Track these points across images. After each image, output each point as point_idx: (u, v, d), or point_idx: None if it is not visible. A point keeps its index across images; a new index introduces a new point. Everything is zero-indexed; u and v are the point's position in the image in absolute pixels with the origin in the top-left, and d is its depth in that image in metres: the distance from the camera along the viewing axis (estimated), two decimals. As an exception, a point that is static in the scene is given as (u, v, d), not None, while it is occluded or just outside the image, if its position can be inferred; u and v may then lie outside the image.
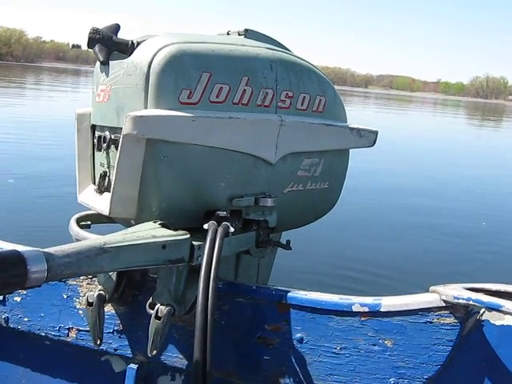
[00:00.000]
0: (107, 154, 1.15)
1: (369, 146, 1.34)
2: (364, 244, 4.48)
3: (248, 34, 1.24)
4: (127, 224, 1.15)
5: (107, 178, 1.15)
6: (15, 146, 7.54)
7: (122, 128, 1.05)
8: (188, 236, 1.05)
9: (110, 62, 1.13)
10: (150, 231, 1.02)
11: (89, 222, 1.24)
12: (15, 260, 0.80)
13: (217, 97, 1.08)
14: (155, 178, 1.07)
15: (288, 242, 1.27)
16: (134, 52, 1.08)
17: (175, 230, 1.05)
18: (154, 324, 1.04)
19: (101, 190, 1.16)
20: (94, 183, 1.23)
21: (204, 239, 1.04)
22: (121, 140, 1.04)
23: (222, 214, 1.11)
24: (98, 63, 1.18)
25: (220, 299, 1.13)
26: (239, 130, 1.11)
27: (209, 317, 0.97)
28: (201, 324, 0.97)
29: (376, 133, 1.34)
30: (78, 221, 1.22)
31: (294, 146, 1.21)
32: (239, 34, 1.24)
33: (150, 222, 1.06)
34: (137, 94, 1.05)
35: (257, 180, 1.18)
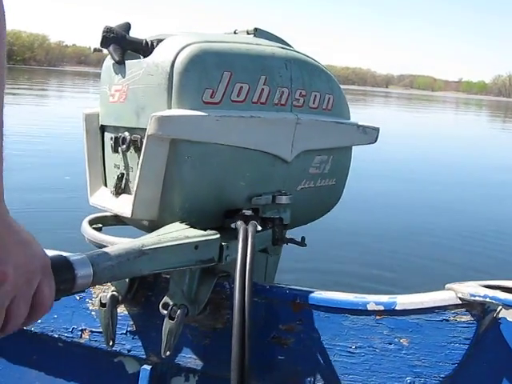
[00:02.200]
0: (124, 155, 1.13)
1: (371, 143, 1.37)
2: (376, 242, 4.43)
3: (257, 33, 1.24)
4: (142, 227, 1.15)
5: (124, 179, 1.14)
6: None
7: (142, 128, 1.05)
8: (218, 236, 1.05)
9: (126, 61, 1.11)
10: (182, 232, 1.02)
11: (100, 225, 1.22)
12: (64, 265, 0.79)
13: (237, 96, 1.09)
14: (179, 178, 1.07)
15: (303, 238, 1.28)
16: (154, 51, 1.07)
17: (205, 230, 1.06)
18: (167, 325, 1.04)
19: (118, 192, 1.15)
20: (106, 185, 1.22)
21: (235, 238, 1.05)
22: (145, 141, 1.03)
23: (248, 212, 1.12)
24: (108, 63, 1.17)
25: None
26: (259, 128, 1.12)
27: (246, 317, 0.97)
28: (238, 326, 0.97)
29: (378, 130, 1.37)
30: (91, 223, 1.21)
31: (308, 144, 1.23)
32: (248, 33, 1.25)
33: (177, 223, 1.06)
34: (159, 94, 1.04)
35: (274, 178, 1.19)
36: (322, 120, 1.24)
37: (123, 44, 1.10)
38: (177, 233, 1.01)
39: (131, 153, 1.11)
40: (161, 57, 1.05)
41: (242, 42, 1.14)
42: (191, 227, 1.05)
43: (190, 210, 1.09)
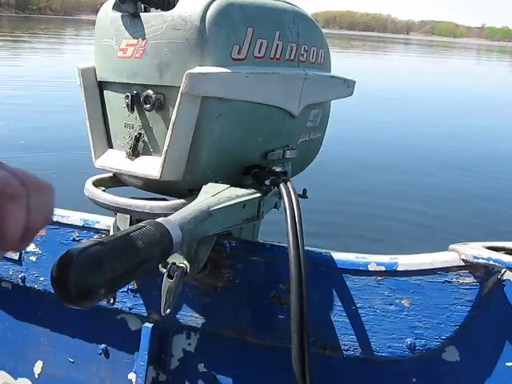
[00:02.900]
0: (142, 114, 1.08)
1: (349, 95, 1.43)
2: (377, 199, 4.42)
3: None
4: (150, 188, 1.14)
5: (142, 140, 1.10)
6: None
7: (165, 86, 1.03)
8: (260, 194, 1.07)
9: (142, 14, 1.05)
10: (230, 191, 1.03)
11: (103, 188, 1.17)
12: (163, 231, 0.80)
13: (259, 52, 1.08)
14: (209, 137, 1.05)
15: (304, 190, 1.31)
16: (179, 4, 1.02)
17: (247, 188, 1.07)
18: (166, 283, 1.02)
19: (135, 153, 1.09)
20: (111, 146, 1.16)
21: (262, 194, 1.08)
22: (178, 99, 1.00)
23: (278, 169, 1.14)
24: (112, 14, 1.09)
25: (234, 257, 1.16)
26: (277, 84, 1.13)
27: (304, 286, 0.98)
28: (297, 295, 0.98)
29: (354, 82, 1.42)
30: (94, 184, 1.17)
31: (310, 99, 1.25)
32: None
33: (213, 183, 1.06)
34: (188, 50, 1.01)
35: (283, 133, 1.22)
36: (322, 75, 1.28)
37: None
38: (227, 192, 1.02)
39: (150, 112, 1.07)
40: (188, 10, 1.01)
41: None
42: (231, 186, 1.06)
43: (216, 167, 1.09)
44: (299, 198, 1.29)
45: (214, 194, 1.00)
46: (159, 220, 0.82)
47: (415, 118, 8.94)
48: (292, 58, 1.17)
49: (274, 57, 1.12)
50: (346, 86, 1.39)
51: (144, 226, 0.77)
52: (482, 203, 4.56)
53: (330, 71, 1.35)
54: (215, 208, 0.96)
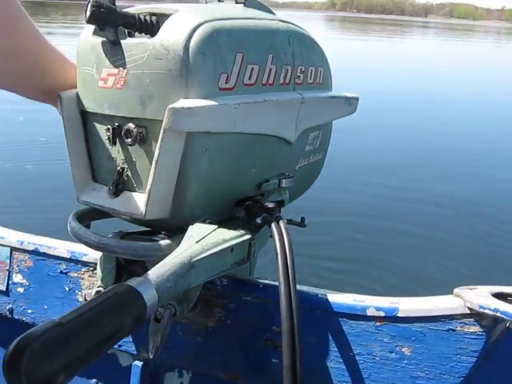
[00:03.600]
0: (124, 148, 1.01)
1: (352, 113, 1.34)
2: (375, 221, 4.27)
3: (248, 2, 1.14)
4: (138, 222, 1.06)
5: (125, 175, 1.03)
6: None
7: (148, 119, 0.96)
8: (251, 235, 1.01)
9: (123, 41, 0.98)
10: (217, 235, 0.96)
11: (88, 221, 1.13)
12: (134, 295, 0.74)
13: (249, 79, 1.00)
14: (195, 173, 0.98)
15: (303, 219, 1.24)
16: (161, 31, 0.94)
17: (235, 229, 1.00)
18: (153, 325, 0.96)
19: (118, 188, 1.03)
20: (95, 180, 1.10)
21: (253, 230, 1.02)
22: (161, 135, 0.92)
23: (271, 204, 1.06)
24: (92, 40, 1.02)
25: (225, 297, 1.11)
26: (269, 112, 1.05)
27: (295, 327, 0.91)
28: (288, 335, 0.91)
29: (358, 99, 1.34)
30: (77, 218, 1.10)
31: (308, 122, 1.18)
32: (237, 2, 1.14)
33: (201, 224, 0.99)
34: (171, 81, 0.93)
35: (278, 161, 1.14)
36: (321, 96, 1.21)
37: (114, 19, 0.96)
38: (213, 237, 0.95)
39: (134, 146, 1.00)
40: (170, 38, 0.93)
41: (248, 18, 1.05)
42: (219, 227, 0.99)
43: (204, 205, 1.02)
44: (298, 225, 1.23)
45: (199, 240, 0.93)
46: (131, 282, 0.76)
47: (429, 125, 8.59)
48: (287, 81, 1.09)
49: (266, 82, 1.04)
50: (347, 105, 1.30)
51: (112, 294, 0.71)
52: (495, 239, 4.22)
53: (330, 89, 1.27)
54: (198, 258, 0.89)
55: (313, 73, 1.18)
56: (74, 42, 1.08)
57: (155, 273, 0.81)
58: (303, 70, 1.14)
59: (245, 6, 1.13)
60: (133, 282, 0.76)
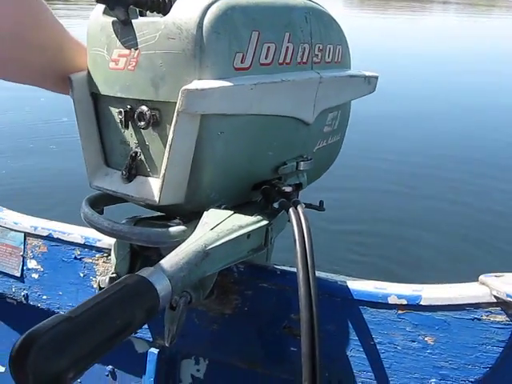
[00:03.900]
0: (137, 131, 0.98)
1: (372, 92, 1.30)
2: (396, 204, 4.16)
3: None
4: (153, 207, 1.04)
5: (138, 159, 1.00)
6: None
7: (161, 102, 0.92)
8: (268, 221, 0.97)
9: (134, 21, 0.94)
10: (232, 221, 0.93)
11: (102, 207, 1.11)
12: (146, 286, 0.71)
13: (265, 58, 0.96)
14: (210, 156, 0.94)
15: (321, 202, 1.21)
16: (173, 10, 0.90)
17: (252, 214, 0.97)
18: (168, 313, 0.94)
19: (131, 173, 1.00)
20: (108, 164, 1.07)
21: (270, 214, 0.99)
22: (175, 118, 0.89)
23: (288, 189, 1.03)
24: (102, 20, 0.99)
25: (242, 283, 1.08)
26: (287, 92, 1.02)
27: (315, 315, 0.88)
28: (308, 324, 0.88)
29: (377, 78, 1.29)
30: (90, 203, 1.08)
31: (327, 103, 1.14)
32: None
33: (216, 210, 0.96)
34: (184, 62, 0.89)
35: (296, 143, 1.10)
36: (340, 75, 1.16)
37: None
38: (229, 223, 0.92)
39: (147, 129, 0.97)
40: (183, 17, 0.89)
41: None
42: (235, 213, 0.96)
43: (221, 189, 0.99)
44: (317, 209, 1.20)
45: (214, 227, 0.90)
46: (143, 273, 0.73)
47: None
48: (305, 60, 1.05)
49: (283, 62, 1.00)
50: (367, 84, 1.26)
51: (123, 286, 0.68)
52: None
53: (349, 67, 1.23)
54: (213, 245, 0.86)
55: (331, 51, 1.13)
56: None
57: (168, 262, 0.79)
58: (321, 48, 1.09)
59: None
60: (145, 272, 0.74)
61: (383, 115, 6.72)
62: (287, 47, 1.00)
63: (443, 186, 4.81)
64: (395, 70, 9.25)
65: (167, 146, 0.91)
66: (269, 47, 0.96)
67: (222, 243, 0.88)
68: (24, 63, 1.01)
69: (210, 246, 0.85)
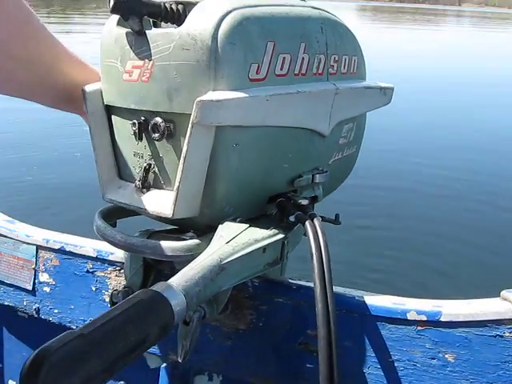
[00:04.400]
0: (151, 143, 0.97)
1: (387, 104, 1.28)
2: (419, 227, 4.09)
3: None
4: (166, 220, 1.02)
5: (152, 172, 0.99)
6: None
7: (175, 113, 0.91)
8: (284, 235, 0.96)
9: (148, 32, 0.93)
10: (248, 234, 0.91)
11: (114, 220, 1.10)
12: (160, 302, 0.70)
13: (281, 69, 0.95)
14: (225, 169, 0.93)
15: (337, 216, 1.18)
16: (187, 20, 0.90)
17: (268, 228, 0.96)
18: (182, 328, 0.92)
19: (144, 186, 0.99)
20: (121, 177, 1.06)
21: (286, 228, 0.97)
22: (189, 129, 0.88)
23: (304, 202, 1.01)
24: (116, 31, 0.98)
25: (257, 298, 1.06)
26: (302, 103, 1.00)
27: (333, 332, 0.86)
28: (325, 341, 0.85)
29: (393, 89, 1.27)
30: (103, 216, 1.07)
31: (343, 114, 1.12)
32: None
33: (230, 222, 0.95)
34: (199, 73, 0.88)
35: (312, 155, 1.09)
36: (355, 87, 1.15)
37: (139, 9, 0.91)
38: (244, 237, 0.90)
39: (161, 141, 0.95)
40: (198, 27, 0.88)
41: (278, 5, 0.99)
42: (250, 226, 0.94)
43: (235, 202, 0.97)
44: (333, 223, 1.18)
45: (229, 241, 0.88)
46: (157, 288, 0.71)
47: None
48: (320, 71, 1.04)
49: (299, 72, 0.99)
50: (382, 95, 1.24)
51: (137, 301, 0.66)
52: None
53: (364, 78, 1.21)
54: (229, 260, 0.84)
55: (346, 62, 1.12)
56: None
57: (183, 277, 0.77)
58: (337, 59, 1.08)
59: None
60: (159, 287, 0.72)
61: (396, 128, 6.71)
62: (303, 58, 0.99)
63: (463, 198, 4.79)
64: (409, 82, 9.24)
65: (181, 159, 0.90)
66: (284, 58, 0.95)
67: (238, 257, 0.86)
68: (9, 75, 1.00)
69: (226, 261, 0.84)
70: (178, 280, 0.76)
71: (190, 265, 0.82)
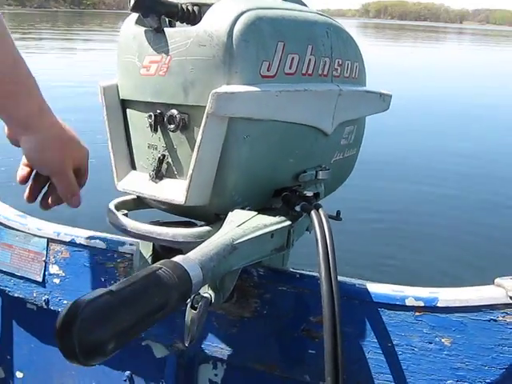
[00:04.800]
0: (166, 134, 1.02)
1: (386, 110, 1.35)
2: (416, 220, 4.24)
3: None
4: (175, 211, 1.08)
5: (165, 162, 1.04)
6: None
7: (190, 106, 0.97)
8: (290, 222, 1.01)
9: (166, 29, 0.99)
10: (257, 220, 0.96)
11: (125, 211, 1.13)
12: (181, 272, 0.74)
13: (289, 68, 1.01)
14: (236, 159, 0.98)
15: (338, 212, 1.23)
16: (204, 19, 0.96)
17: (275, 216, 1.01)
18: (189, 314, 0.96)
19: (158, 176, 1.04)
20: (135, 168, 1.11)
21: (291, 220, 1.02)
22: (204, 120, 0.93)
23: (309, 193, 1.06)
24: (134, 29, 1.04)
25: (261, 287, 1.10)
26: (308, 102, 1.06)
27: (337, 319, 0.90)
28: (330, 331, 0.90)
29: (391, 96, 1.34)
30: (115, 208, 1.11)
31: (345, 115, 1.18)
32: None
33: (240, 210, 1.00)
34: (214, 68, 0.94)
35: (315, 153, 1.14)
36: (357, 90, 1.21)
37: (158, 8, 0.97)
38: (254, 222, 0.95)
39: (176, 132, 1.01)
40: (214, 25, 0.94)
41: (288, 9, 1.06)
42: (259, 213, 0.99)
43: (244, 192, 1.02)
44: (333, 220, 1.22)
45: (240, 224, 0.93)
46: (177, 259, 0.76)
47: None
48: (325, 73, 1.10)
49: (306, 72, 1.05)
50: (381, 101, 1.31)
51: (160, 268, 0.71)
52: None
53: (364, 85, 1.28)
54: (240, 241, 0.89)
55: (349, 67, 1.18)
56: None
57: (200, 252, 0.82)
58: (340, 62, 1.14)
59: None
60: (179, 258, 0.77)
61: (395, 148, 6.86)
62: (310, 59, 1.05)
63: (459, 192, 4.94)
64: (406, 98, 9.37)
65: (195, 148, 0.95)
66: (293, 58, 1.01)
67: (249, 239, 0.91)
68: None
69: (238, 241, 0.89)
70: (195, 254, 0.80)
71: (204, 243, 0.87)
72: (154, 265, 0.73)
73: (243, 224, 0.94)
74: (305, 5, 1.18)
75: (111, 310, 0.63)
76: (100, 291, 0.64)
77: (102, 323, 0.62)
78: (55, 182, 1.05)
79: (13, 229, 1.36)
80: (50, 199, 1.09)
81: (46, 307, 1.32)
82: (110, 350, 0.63)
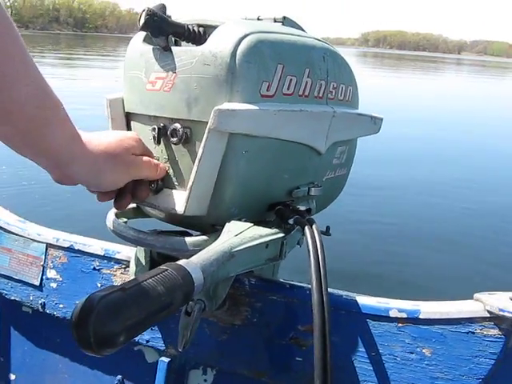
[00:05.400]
0: (168, 147, 1.08)
1: (376, 133, 1.41)
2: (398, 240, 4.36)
3: (286, 21, 1.21)
4: (172, 221, 1.12)
5: (166, 173, 1.09)
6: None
7: (192, 120, 1.02)
8: (284, 234, 1.06)
9: (173, 48, 1.05)
10: (253, 231, 1.01)
11: (125, 219, 1.17)
12: (185, 274, 0.79)
13: (287, 89, 1.07)
14: (234, 173, 1.04)
15: (328, 228, 1.28)
16: (209, 40, 1.02)
17: (270, 228, 1.06)
18: (183, 319, 1.01)
19: (159, 186, 1.09)
20: None
21: (284, 233, 1.06)
22: (206, 134, 0.99)
23: (303, 207, 1.12)
24: (143, 47, 1.10)
25: (252, 296, 1.15)
26: (304, 121, 1.12)
27: (327, 330, 0.94)
28: (320, 340, 0.93)
29: (382, 120, 1.41)
30: (116, 215, 1.16)
31: (338, 136, 1.25)
32: (275, 21, 1.21)
33: (236, 221, 1.05)
34: (217, 86, 1.00)
35: (309, 170, 1.20)
36: (350, 112, 1.27)
37: (166, 28, 1.03)
38: (250, 232, 1.00)
39: (178, 145, 1.06)
40: (219, 46, 1.00)
41: (288, 33, 1.13)
42: (254, 225, 1.04)
43: (240, 204, 1.08)
44: (324, 234, 1.27)
45: (237, 234, 0.98)
46: (181, 262, 0.81)
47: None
48: (321, 95, 1.16)
49: (302, 94, 1.11)
50: (372, 124, 1.37)
51: (166, 270, 0.76)
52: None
53: (357, 108, 1.34)
54: (238, 249, 0.94)
55: (343, 90, 1.24)
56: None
57: (201, 257, 0.87)
58: (335, 86, 1.20)
59: (283, 24, 1.21)
60: (183, 261, 0.82)
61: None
62: (306, 81, 1.11)
63: (443, 208, 5.03)
64: (401, 127, 9.54)
65: (196, 161, 1.00)
66: (291, 80, 1.07)
67: (245, 248, 0.96)
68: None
69: (236, 249, 0.94)
70: (197, 259, 0.86)
71: (205, 250, 0.92)
72: (160, 266, 0.79)
73: (240, 234, 0.99)
74: (303, 30, 1.24)
75: (123, 306, 0.68)
76: (111, 288, 0.68)
77: (115, 317, 0.67)
78: (136, 179, 1.05)
79: (13, 233, 1.39)
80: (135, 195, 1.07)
81: (41, 310, 1.35)
82: (121, 342, 0.68)
